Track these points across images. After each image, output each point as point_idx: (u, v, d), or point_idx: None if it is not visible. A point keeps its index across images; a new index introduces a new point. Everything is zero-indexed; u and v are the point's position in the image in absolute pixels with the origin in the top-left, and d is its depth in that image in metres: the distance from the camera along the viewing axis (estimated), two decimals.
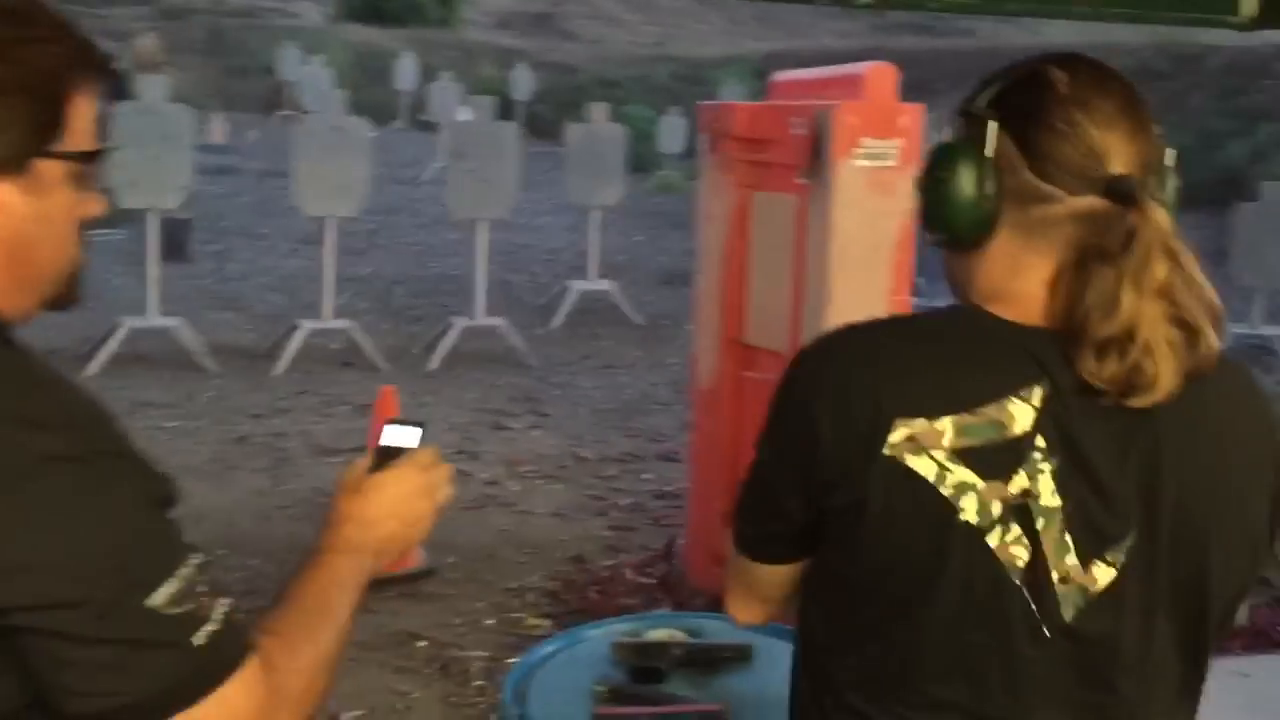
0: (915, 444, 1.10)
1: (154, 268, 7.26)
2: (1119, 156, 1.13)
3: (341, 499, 1.27)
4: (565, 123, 10.19)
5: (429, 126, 18.76)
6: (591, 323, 9.11)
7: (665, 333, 8.97)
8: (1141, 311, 1.08)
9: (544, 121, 20.76)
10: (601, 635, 2.08)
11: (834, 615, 1.20)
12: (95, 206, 1.12)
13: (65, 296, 1.13)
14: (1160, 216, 1.10)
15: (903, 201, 3.54)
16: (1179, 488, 1.13)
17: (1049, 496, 1.10)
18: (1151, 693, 1.17)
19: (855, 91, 3.62)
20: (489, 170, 7.83)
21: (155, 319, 7.41)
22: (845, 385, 1.14)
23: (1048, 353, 1.12)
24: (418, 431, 1.32)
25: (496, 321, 8.12)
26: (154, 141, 6.89)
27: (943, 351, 1.14)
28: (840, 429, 1.13)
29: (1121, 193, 1.12)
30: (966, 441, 1.10)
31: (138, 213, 10.20)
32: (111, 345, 7.19)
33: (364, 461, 1.30)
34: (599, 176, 9.21)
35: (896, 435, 1.10)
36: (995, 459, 1.10)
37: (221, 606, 1.03)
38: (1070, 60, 1.18)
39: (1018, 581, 1.11)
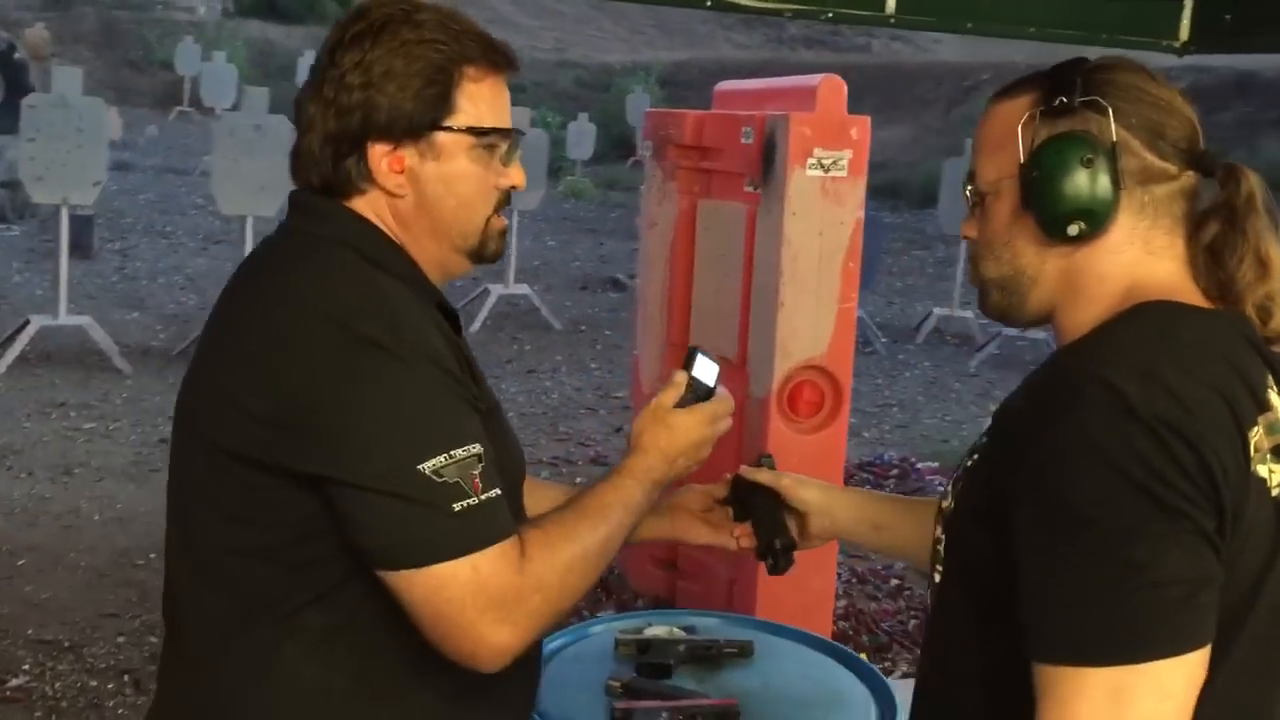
0: (1260, 452, 1.06)
1: (64, 265, 7.05)
2: (1201, 132, 1.18)
3: (650, 428, 1.41)
4: None
5: None
6: (511, 327, 9.10)
7: (585, 337, 9.00)
8: None
9: None
10: (603, 631, 2.12)
11: None
12: (513, 178, 1.39)
13: (481, 250, 1.38)
14: (1258, 181, 1.16)
15: (853, 211, 3.65)
16: None
17: None
18: None
19: (807, 103, 3.71)
20: None
21: (66, 317, 7.20)
22: (1209, 406, 1.04)
23: (1251, 333, 1.14)
24: (715, 369, 1.42)
25: None
26: (68, 135, 6.70)
27: (1223, 354, 1.10)
28: (1227, 452, 1.03)
29: (1220, 164, 1.17)
30: (1276, 439, 1.08)
31: (33, 208, 9.91)
32: (19, 344, 6.97)
33: (671, 394, 1.42)
34: None
35: (1250, 448, 1.05)
36: None
37: (491, 493, 1.19)
38: (1114, 58, 1.20)
39: None
